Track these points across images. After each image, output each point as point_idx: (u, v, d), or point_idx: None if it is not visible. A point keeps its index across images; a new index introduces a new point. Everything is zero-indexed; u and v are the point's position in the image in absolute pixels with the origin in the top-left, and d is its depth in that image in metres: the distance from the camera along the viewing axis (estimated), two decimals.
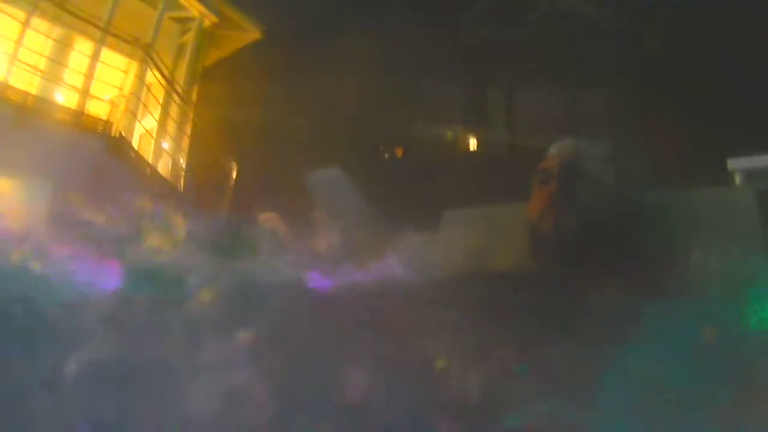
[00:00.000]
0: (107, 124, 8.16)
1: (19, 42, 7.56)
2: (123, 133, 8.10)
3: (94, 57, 8.20)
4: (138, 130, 8.87)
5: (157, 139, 9.00)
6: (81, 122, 7.87)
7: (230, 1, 9.77)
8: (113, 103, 8.83)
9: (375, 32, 8.35)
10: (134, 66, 8.87)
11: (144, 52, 8.63)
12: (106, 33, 8.27)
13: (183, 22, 9.56)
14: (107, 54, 8.57)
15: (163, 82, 9.15)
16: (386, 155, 9.05)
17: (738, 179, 8.19)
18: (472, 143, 9.65)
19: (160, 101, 9.08)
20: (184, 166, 9.13)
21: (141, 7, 8.94)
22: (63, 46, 8.32)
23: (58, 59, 8.26)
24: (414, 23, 9.28)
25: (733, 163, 8.23)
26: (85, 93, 8.10)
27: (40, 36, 7.95)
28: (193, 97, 9.56)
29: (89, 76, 8.14)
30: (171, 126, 9.15)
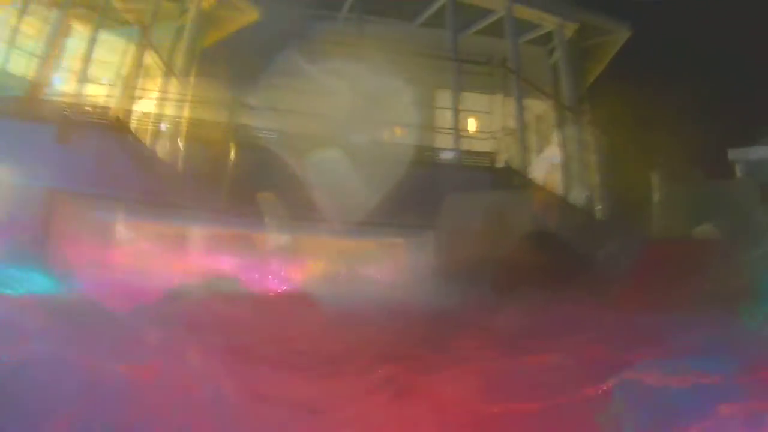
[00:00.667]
0: (106, 106, 8.11)
1: (16, 25, 7.50)
2: (121, 115, 8.04)
3: (92, 39, 8.12)
4: (136, 111, 8.79)
5: (155, 120, 8.93)
6: (80, 104, 7.82)
7: None
8: (111, 86, 8.77)
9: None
10: (132, 48, 8.78)
11: (142, 33, 8.54)
12: (104, 15, 8.19)
13: (181, 3, 9.44)
14: (105, 36, 8.49)
15: (161, 64, 9.06)
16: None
17: (738, 170, 8.20)
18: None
19: (158, 83, 8.99)
20: (182, 147, 9.05)
21: None
22: (60, 29, 8.23)
23: (56, 42, 8.18)
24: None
25: (733, 154, 8.23)
26: (83, 76, 8.04)
27: (38, 19, 7.87)
28: (192, 78, 9.45)
29: (87, 58, 8.06)
30: (169, 107, 9.06)
